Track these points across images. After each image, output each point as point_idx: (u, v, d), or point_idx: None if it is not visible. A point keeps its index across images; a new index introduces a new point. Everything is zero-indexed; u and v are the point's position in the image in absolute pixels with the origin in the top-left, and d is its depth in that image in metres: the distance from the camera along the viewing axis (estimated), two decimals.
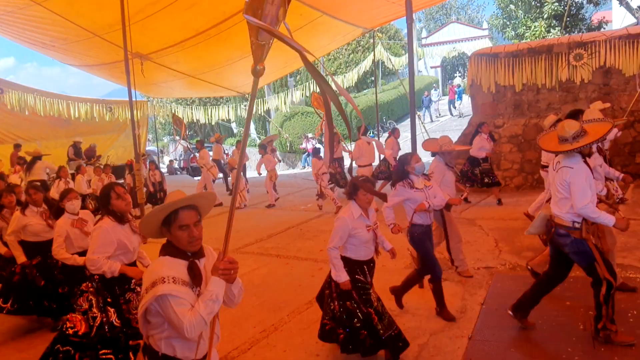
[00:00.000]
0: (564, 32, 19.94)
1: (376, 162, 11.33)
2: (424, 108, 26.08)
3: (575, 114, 5.64)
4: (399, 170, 4.80)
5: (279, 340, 4.49)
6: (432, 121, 25.79)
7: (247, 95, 17.97)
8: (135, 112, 8.58)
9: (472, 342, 4.11)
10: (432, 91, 27.92)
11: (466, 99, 26.87)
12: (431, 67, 33.81)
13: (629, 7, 20.99)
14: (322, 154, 11.09)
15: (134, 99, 7.72)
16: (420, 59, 31.56)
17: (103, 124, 18.01)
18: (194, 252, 2.33)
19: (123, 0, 7.56)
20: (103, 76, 14.79)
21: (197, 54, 11.71)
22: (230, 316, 4.98)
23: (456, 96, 27.46)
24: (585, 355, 3.72)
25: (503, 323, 4.44)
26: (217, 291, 2.21)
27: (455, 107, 27.35)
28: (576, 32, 21.30)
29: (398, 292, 4.85)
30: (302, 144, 22.63)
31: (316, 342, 4.12)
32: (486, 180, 9.35)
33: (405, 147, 13.15)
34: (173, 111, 21.12)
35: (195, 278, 2.25)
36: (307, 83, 22.44)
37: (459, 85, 28.65)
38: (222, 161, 14.34)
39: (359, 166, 10.20)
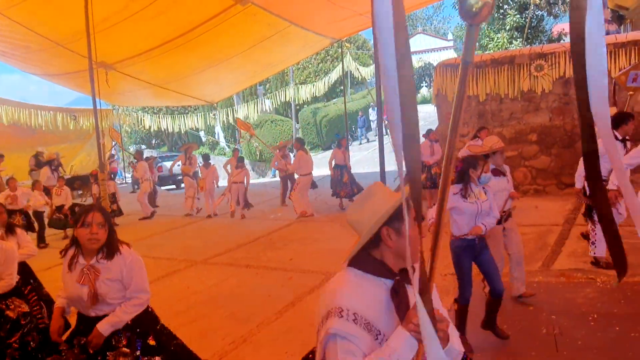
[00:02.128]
0: (525, 44, 20.56)
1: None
2: (359, 129, 25.10)
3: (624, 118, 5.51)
4: (461, 172, 4.13)
5: (248, 352, 4.46)
6: (365, 142, 24.96)
7: (215, 104, 17.87)
8: (100, 121, 8.43)
9: None
10: (370, 110, 26.30)
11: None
12: None
13: None
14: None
15: (98, 107, 7.57)
16: None
17: (67, 133, 17.61)
18: (403, 270, 1.71)
19: (87, 9, 7.44)
20: (66, 85, 14.49)
21: (164, 63, 11.59)
22: (198, 329, 4.92)
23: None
24: (548, 358, 3.82)
25: (470, 328, 4.52)
26: (399, 350, 1.52)
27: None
28: (537, 43, 22.01)
29: (491, 324, 4.23)
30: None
31: (286, 352, 4.11)
32: None
33: (374, 156, 13.25)
34: (139, 120, 20.83)
35: (400, 307, 1.62)
36: (277, 91, 22.51)
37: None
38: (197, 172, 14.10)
39: (300, 175, 10.85)
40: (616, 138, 5.31)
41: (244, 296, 5.90)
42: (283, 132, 24.19)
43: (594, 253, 5.64)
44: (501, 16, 23.26)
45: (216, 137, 29.96)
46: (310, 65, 29.02)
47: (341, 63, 16.66)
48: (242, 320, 5.12)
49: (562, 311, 4.62)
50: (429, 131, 10.23)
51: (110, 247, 2.79)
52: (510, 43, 22.55)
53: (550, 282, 5.36)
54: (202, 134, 30.40)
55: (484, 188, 4.20)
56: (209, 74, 12.79)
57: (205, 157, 12.51)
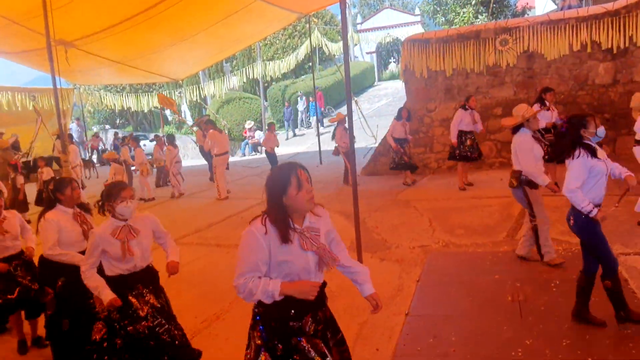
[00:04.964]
0: (490, 18, 20.75)
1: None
2: (285, 122, 23.49)
3: None
4: (573, 136, 3.79)
5: (221, 330, 4.49)
6: (294, 135, 23.25)
7: (181, 81, 17.51)
8: (60, 100, 8.16)
9: (408, 318, 4.28)
10: (299, 100, 24.12)
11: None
12: (367, 53, 34.21)
13: None
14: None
15: (58, 87, 7.31)
16: (355, 44, 31.88)
17: (26, 114, 17.03)
18: None
19: None
20: (24, 64, 13.94)
21: (126, 40, 11.23)
22: None
23: (308, 108, 23.90)
24: (513, 324, 3.97)
25: (437, 298, 4.66)
26: None
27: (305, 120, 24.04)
28: (502, 18, 22.23)
29: (581, 311, 3.87)
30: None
31: None
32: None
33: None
34: (102, 99, 20.26)
35: None
36: (244, 68, 22.18)
37: (311, 99, 23.20)
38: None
39: (215, 155, 10.75)
40: None
41: (215, 275, 5.90)
42: (251, 110, 23.92)
43: None
44: None
45: (183, 115, 29.46)
46: (277, 41, 28.66)
47: (309, 39, 16.50)
48: (214, 298, 5.14)
49: (526, 279, 4.80)
50: (468, 97, 8.90)
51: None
52: (476, 18, 22.73)
53: (515, 251, 5.53)
54: (167, 112, 29.80)
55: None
56: (173, 51, 12.49)
57: (170, 138, 12.31)
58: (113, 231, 3.25)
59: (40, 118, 12.27)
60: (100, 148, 21.26)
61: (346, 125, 10.86)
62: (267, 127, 12.59)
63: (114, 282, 3.27)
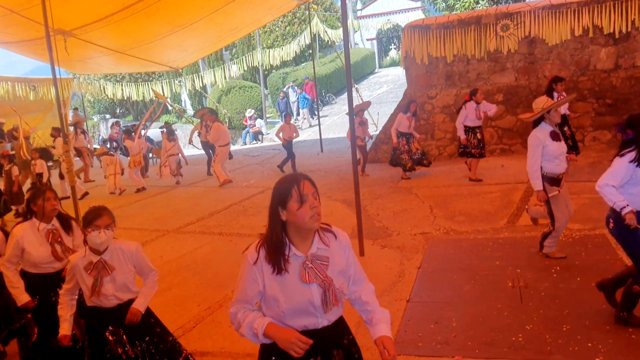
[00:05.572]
0: (491, 3, 20.59)
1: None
2: (280, 112, 22.62)
3: None
4: (638, 137, 3.43)
5: (224, 317, 4.52)
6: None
7: (180, 70, 17.44)
8: (60, 90, 8.14)
9: (410, 304, 4.31)
10: (290, 90, 23.14)
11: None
12: (367, 40, 33.98)
13: None
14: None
15: (58, 76, 7.29)
16: (356, 31, 31.68)
17: (27, 104, 17.02)
18: None
19: None
20: (23, 53, 13.88)
21: (125, 29, 11.17)
22: (174, 296, 4.96)
23: (298, 100, 22.70)
24: (514, 310, 4.00)
25: (438, 285, 4.69)
26: None
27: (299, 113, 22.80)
28: (503, 3, 22.02)
29: (608, 289, 3.77)
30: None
31: None
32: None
33: (344, 121, 13.31)
34: (102, 88, 20.21)
35: None
36: (244, 57, 22.04)
37: (299, 90, 22.73)
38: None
39: (219, 146, 10.99)
40: None
41: (218, 263, 5.94)
42: (252, 98, 23.81)
43: None
44: None
45: (183, 104, 29.38)
46: (277, 29, 28.44)
47: (309, 26, 16.40)
48: (217, 286, 5.17)
49: (527, 265, 4.82)
50: (475, 91, 8.45)
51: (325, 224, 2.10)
52: (477, 3, 22.50)
53: (516, 238, 5.56)
54: (167, 101, 29.68)
55: None
56: (172, 40, 12.42)
57: (169, 131, 12.29)
58: (86, 266, 2.98)
59: (20, 118, 12.15)
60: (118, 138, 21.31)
61: (363, 117, 10.73)
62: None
63: (90, 314, 3.10)
